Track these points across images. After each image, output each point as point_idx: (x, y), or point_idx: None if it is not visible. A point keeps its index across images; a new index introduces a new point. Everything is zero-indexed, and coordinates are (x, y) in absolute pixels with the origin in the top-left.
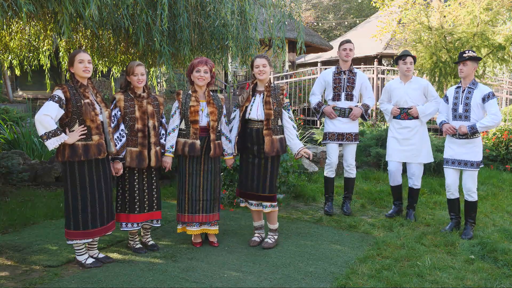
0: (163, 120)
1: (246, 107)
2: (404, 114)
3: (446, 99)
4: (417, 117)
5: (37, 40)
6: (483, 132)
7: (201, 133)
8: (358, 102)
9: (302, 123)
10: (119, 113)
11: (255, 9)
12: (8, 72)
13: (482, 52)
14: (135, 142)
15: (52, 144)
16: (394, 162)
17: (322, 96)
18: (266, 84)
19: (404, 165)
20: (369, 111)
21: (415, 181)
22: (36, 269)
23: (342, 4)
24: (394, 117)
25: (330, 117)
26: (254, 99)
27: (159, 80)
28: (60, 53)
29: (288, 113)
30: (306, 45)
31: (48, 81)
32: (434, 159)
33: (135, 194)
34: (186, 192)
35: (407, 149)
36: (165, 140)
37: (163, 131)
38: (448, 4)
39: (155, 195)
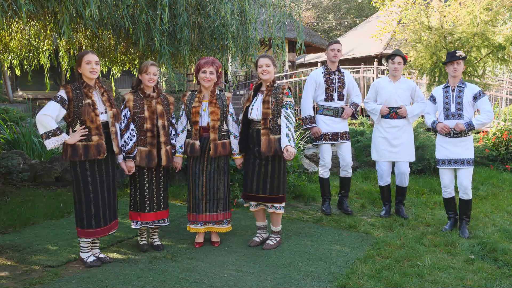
0: (173, 121)
1: (247, 107)
2: (394, 113)
3: (433, 100)
4: (404, 117)
5: (37, 40)
6: (483, 131)
7: (204, 133)
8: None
9: (301, 123)
10: (128, 113)
11: (255, 9)
12: (8, 72)
13: (482, 52)
14: (144, 142)
15: (51, 143)
16: (385, 162)
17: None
18: (268, 84)
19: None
20: (358, 109)
21: (404, 179)
22: (36, 269)
23: (342, 4)
24: (383, 117)
25: (316, 135)
26: (256, 99)
27: (159, 80)
28: (60, 53)
29: (285, 111)
30: (306, 45)
31: (48, 81)
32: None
33: (145, 193)
34: (191, 191)
35: (397, 148)
36: (175, 141)
37: (173, 132)
38: (448, 4)
39: (163, 194)
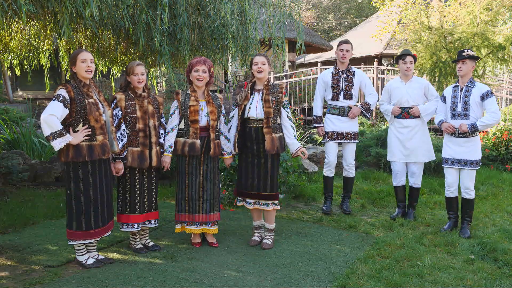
0: (163, 120)
1: (245, 105)
2: (405, 113)
3: (444, 99)
4: (418, 116)
5: (37, 40)
6: (483, 131)
7: (200, 133)
8: (357, 101)
9: (302, 123)
10: (120, 113)
11: (255, 9)
12: (8, 72)
13: (482, 52)
14: (136, 142)
15: (58, 144)
16: (398, 162)
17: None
18: (265, 83)
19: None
20: (372, 108)
21: (416, 180)
22: (36, 269)
23: (342, 4)
24: (395, 117)
25: (318, 134)
26: (253, 98)
27: (159, 80)
28: (60, 53)
29: (287, 111)
30: (306, 45)
31: (48, 81)
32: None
33: (136, 195)
34: (186, 191)
35: (409, 149)
36: (163, 140)
37: (162, 131)
38: (448, 4)
39: (154, 196)
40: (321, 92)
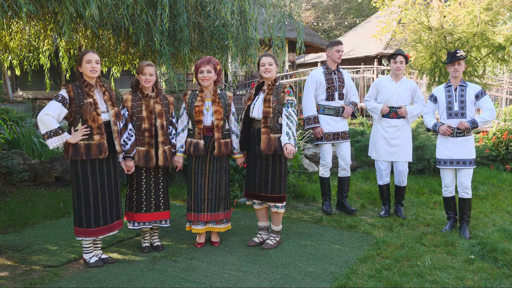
0: (174, 120)
1: (249, 106)
2: (394, 113)
3: (434, 99)
4: (404, 117)
5: (37, 40)
6: (483, 131)
7: (207, 133)
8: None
9: (302, 123)
10: (126, 113)
11: (255, 9)
12: (8, 72)
13: (482, 52)
14: (142, 142)
15: (52, 143)
16: (384, 161)
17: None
18: (269, 83)
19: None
20: (357, 108)
21: (404, 179)
22: (36, 269)
23: (342, 4)
24: (383, 116)
25: (317, 135)
26: (257, 98)
27: (159, 80)
28: (60, 53)
29: (286, 110)
30: (306, 45)
31: (48, 81)
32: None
33: (142, 194)
34: (192, 191)
35: (396, 148)
36: (176, 140)
37: (174, 131)
38: (448, 4)
39: (162, 195)
40: (314, 92)
